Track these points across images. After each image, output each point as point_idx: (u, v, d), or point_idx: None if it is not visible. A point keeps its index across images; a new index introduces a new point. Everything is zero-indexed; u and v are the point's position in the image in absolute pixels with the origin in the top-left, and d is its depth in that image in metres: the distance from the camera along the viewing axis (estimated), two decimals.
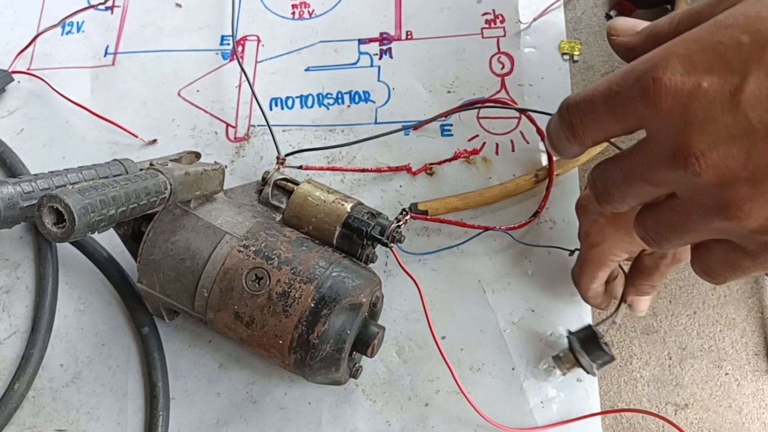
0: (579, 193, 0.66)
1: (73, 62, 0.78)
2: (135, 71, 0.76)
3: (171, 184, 0.52)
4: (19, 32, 0.80)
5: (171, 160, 0.59)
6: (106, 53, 0.77)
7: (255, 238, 0.57)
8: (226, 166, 0.63)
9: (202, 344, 0.64)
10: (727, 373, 0.60)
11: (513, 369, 0.60)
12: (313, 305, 0.53)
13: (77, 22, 0.80)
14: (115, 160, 0.54)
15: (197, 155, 0.63)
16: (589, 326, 0.57)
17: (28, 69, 0.78)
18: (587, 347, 0.56)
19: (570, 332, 0.58)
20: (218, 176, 0.60)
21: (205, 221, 0.58)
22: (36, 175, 0.49)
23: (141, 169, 0.55)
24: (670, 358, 0.61)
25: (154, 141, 0.72)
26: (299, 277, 0.54)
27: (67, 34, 0.79)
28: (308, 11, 0.78)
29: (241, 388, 0.62)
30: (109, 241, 0.66)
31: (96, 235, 0.65)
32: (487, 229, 0.63)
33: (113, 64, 0.77)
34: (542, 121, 0.67)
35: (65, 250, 0.68)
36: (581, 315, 0.62)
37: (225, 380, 0.62)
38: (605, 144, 0.63)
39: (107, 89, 0.76)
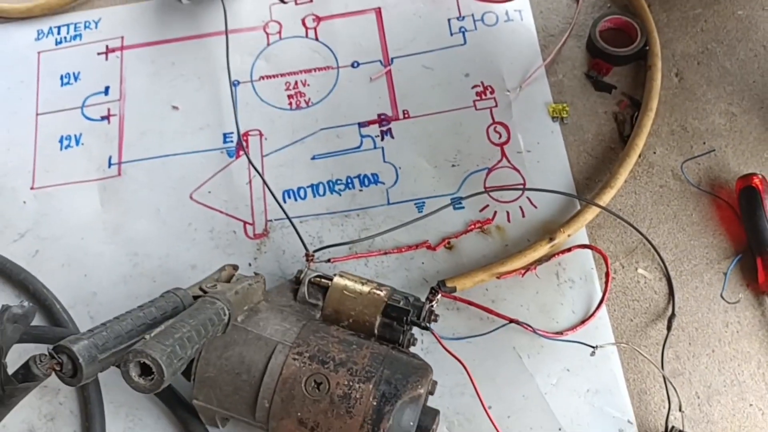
0: (590, 254, 0.71)
1: (77, 176, 0.78)
2: (142, 179, 0.77)
3: (229, 310, 0.54)
4: (16, 152, 0.80)
5: (215, 279, 0.61)
6: (110, 164, 0.78)
7: (306, 344, 0.59)
8: (257, 273, 0.65)
9: None
10: (751, 405, 0.65)
11: (560, 429, 0.64)
12: (375, 404, 0.56)
13: (75, 135, 0.80)
14: (168, 291, 0.56)
15: (235, 267, 0.65)
16: (674, 429, 0.62)
17: (32, 188, 0.78)
18: None
19: None
20: (260, 287, 0.62)
21: (255, 333, 0.59)
22: (103, 324, 0.50)
23: (194, 297, 0.57)
24: (698, 397, 0.65)
25: None
26: (357, 377, 0.57)
27: (66, 148, 0.80)
28: (305, 100, 0.80)
29: None
30: None
31: None
32: (512, 321, 0.66)
33: (119, 174, 0.78)
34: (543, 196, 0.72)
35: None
36: (612, 369, 0.66)
37: None
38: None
39: (117, 200, 0.76)
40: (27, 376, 0.46)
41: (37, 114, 0.82)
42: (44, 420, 0.68)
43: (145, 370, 0.46)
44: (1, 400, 0.47)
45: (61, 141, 0.80)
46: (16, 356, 0.69)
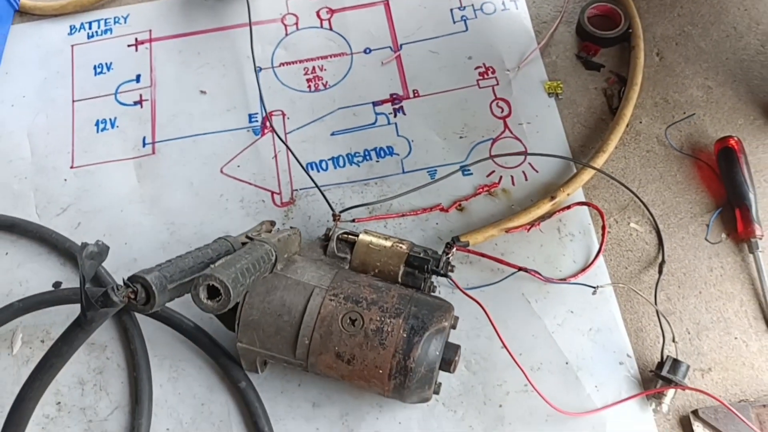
0: (587, 210, 0.78)
1: (114, 155, 0.85)
2: (176, 156, 0.84)
3: (276, 252, 0.61)
4: (55, 135, 0.86)
5: (257, 231, 0.68)
6: (144, 144, 0.85)
7: (340, 287, 0.65)
8: (293, 227, 0.72)
9: (292, 388, 0.72)
10: (736, 338, 0.72)
11: (566, 363, 0.71)
12: (405, 335, 0.63)
13: (110, 119, 0.87)
14: (220, 238, 0.62)
15: (272, 223, 0.71)
16: (669, 357, 0.69)
17: (72, 167, 0.84)
18: (676, 371, 0.68)
19: (655, 372, 0.69)
20: (297, 239, 0.69)
21: (293, 279, 0.66)
22: (168, 261, 0.56)
23: (242, 243, 0.63)
24: (689, 333, 0.73)
25: None
26: (388, 313, 0.64)
27: (102, 131, 0.86)
28: (322, 83, 0.88)
29: (336, 420, 0.70)
30: (186, 311, 0.74)
31: (179, 307, 0.73)
32: (521, 269, 0.74)
33: (153, 152, 0.84)
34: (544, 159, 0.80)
35: (147, 327, 0.74)
36: (611, 310, 0.73)
37: (321, 417, 0.70)
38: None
39: (153, 176, 0.83)
40: (106, 303, 0.52)
41: (74, 101, 0.88)
42: (93, 373, 0.74)
43: (212, 294, 0.53)
44: (82, 324, 0.53)
45: (97, 124, 0.87)
46: (64, 317, 0.76)
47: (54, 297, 0.75)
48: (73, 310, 0.76)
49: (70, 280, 0.78)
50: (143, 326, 0.75)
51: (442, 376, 0.70)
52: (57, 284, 0.78)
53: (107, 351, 0.75)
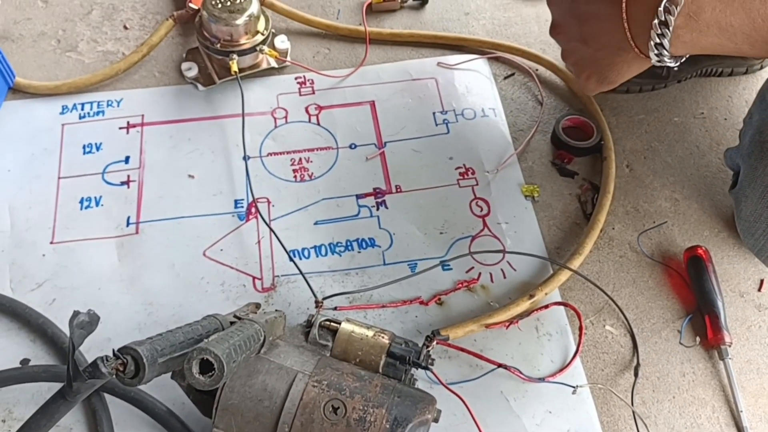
0: (563, 311, 0.80)
1: (96, 233, 0.84)
2: (159, 237, 0.84)
3: (264, 332, 0.61)
4: (37, 210, 0.86)
5: (244, 312, 0.67)
6: (128, 223, 0.85)
7: (324, 374, 0.65)
8: (278, 310, 0.71)
9: None
10: None
11: None
12: (388, 426, 0.62)
13: (95, 197, 0.87)
14: (209, 315, 0.62)
15: (257, 305, 0.71)
16: None
17: (51, 242, 0.83)
18: None
19: None
20: (282, 322, 0.68)
21: (276, 363, 0.65)
22: (159, 335, 0.55)
23: (231, 322, 0.63)
24: None
25: None
26: (371, 403, 0.63)
27: (86, 208, 0.86)
28: (308, 174, 0.90)
29: None
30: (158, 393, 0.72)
31: (152, 390, 0.71)
32: (501, 366, 0.75)
33: (137, 232, 0.84)
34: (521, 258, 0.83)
35: (116, 409, 0.72)
36: (588, 411, 0.74)
37: None
38: None
39: (134, 256, 0.83)
40: (94, 374, 0.51)
41: (59, 178, 0.89)
42: None
43: (204, 369, 0.52)
44: (66, 396, 0.51)
45: (81, 202, 0.87)
46: (29, 396, 0.73)
47: (21, 374, 0.72)
48: (40, 389, 0.74)
49: (39, 358, 0.76)
50: (112, 409, 0.72)
51: None
52: (25, 361, 0.75)
53: None
